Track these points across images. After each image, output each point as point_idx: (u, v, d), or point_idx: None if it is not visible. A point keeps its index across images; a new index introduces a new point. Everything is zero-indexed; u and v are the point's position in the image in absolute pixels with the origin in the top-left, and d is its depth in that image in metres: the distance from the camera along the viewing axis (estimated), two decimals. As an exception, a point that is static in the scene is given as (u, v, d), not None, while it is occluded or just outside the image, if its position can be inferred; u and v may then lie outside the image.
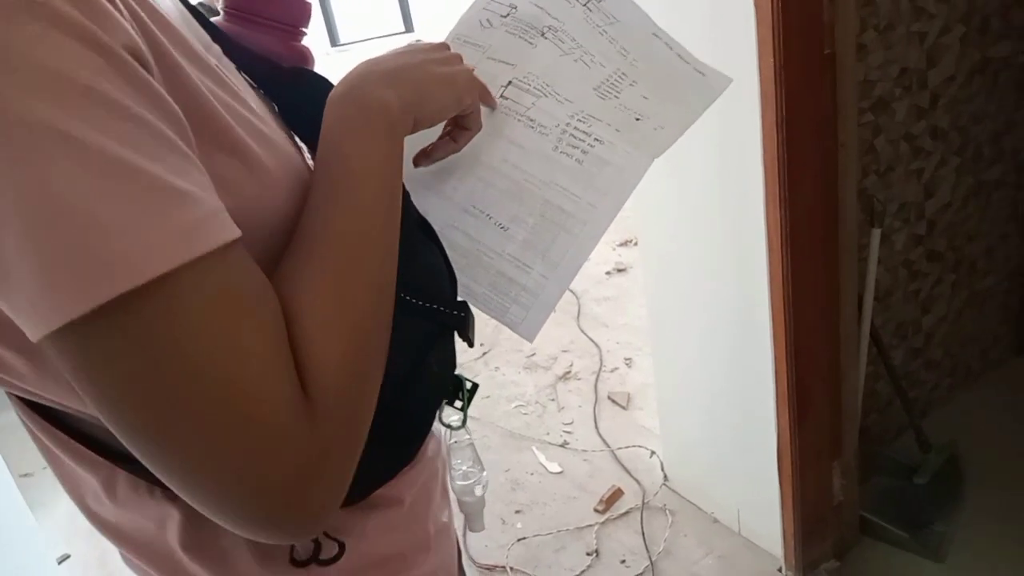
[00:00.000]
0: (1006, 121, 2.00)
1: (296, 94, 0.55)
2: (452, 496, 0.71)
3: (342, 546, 0.53)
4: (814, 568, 1.64)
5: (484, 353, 2.82)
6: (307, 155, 0.54)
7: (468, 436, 0.74)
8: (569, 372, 2.61)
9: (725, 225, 1.54)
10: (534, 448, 2.25)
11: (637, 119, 0.68)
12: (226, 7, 0.61)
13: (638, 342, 2.66)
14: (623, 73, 0.69)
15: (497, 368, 2.72)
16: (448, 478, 0.71)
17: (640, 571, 1.75)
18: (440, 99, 0.55)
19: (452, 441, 0.73)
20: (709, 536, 1.81)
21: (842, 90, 1.39)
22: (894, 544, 1.68)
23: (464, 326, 0.61)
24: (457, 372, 0.64)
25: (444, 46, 0.61)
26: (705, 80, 0.71)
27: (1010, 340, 2.25)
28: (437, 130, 0.64)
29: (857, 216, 1.54)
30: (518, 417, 2.42)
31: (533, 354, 2.76)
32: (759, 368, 1.53)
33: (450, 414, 0.65)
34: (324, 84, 0.57)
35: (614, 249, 3.48)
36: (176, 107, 0.35)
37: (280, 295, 0.41)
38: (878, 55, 1.69)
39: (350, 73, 0.52)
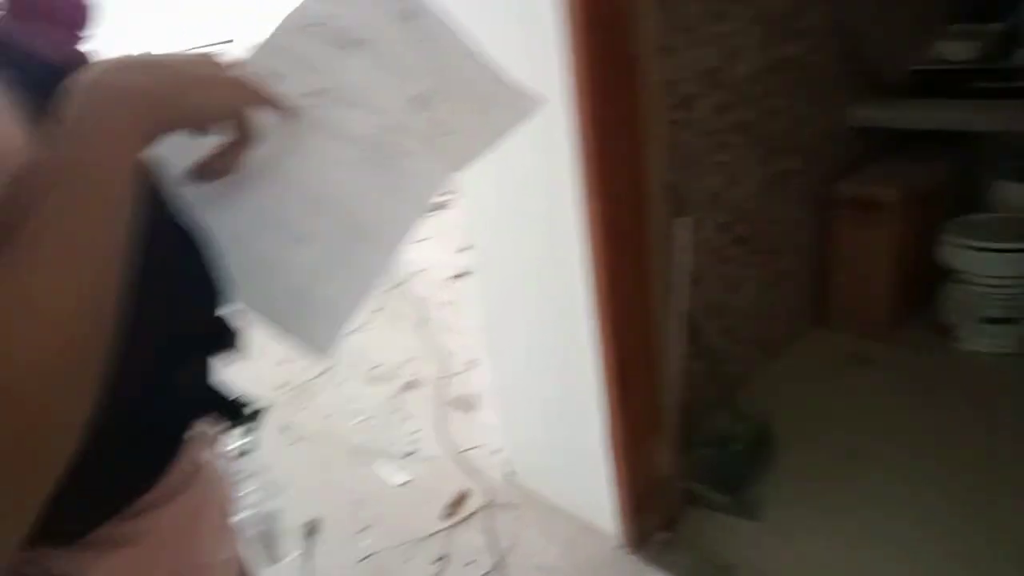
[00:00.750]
0: (798, 115, 2.21)
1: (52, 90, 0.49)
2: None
3: None
4: (647, 541, 1.72)
5: (327, 370, 2.73)
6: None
7: (256, 465, 0.70)
8: (414, 380, 2.58)
9: (545, 223, 1.58)
10: (379, 461, 2.20)
11: (446, 134, 0.68)
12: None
13: (480, 345, 2.68)
14: (436, 89, 0.69)
15: (339, 384, 2.64)
16: (229, 512, 0.66)
17: (487, 569, 1.75)
18: (202, 98, 0.52)
19: (236, 471, 0.68)
20: (552, 524, 1.84)
21: (647, 88, 1.46)
22: (717, 509, 1.80)
23: (221, 343, 0.57)
24: (237, 397, 0.59)
25: (211, 54, 0.57)
26: (517, 100, 0.72)
27: (809, 313, 2.48)
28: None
29: (666, 207, 1.64)
30: (362, 432, 2.36)
31: (378, 366, 2.70)
32: (583, 357, 1.58)
33: (234, 439, 0.60)
34: None
35: (456, 254, 3.49)
36: None
37: None
38: (683, 55, 1.81)
39: (101, 61, 0.48)
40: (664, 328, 1.67)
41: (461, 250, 3.50)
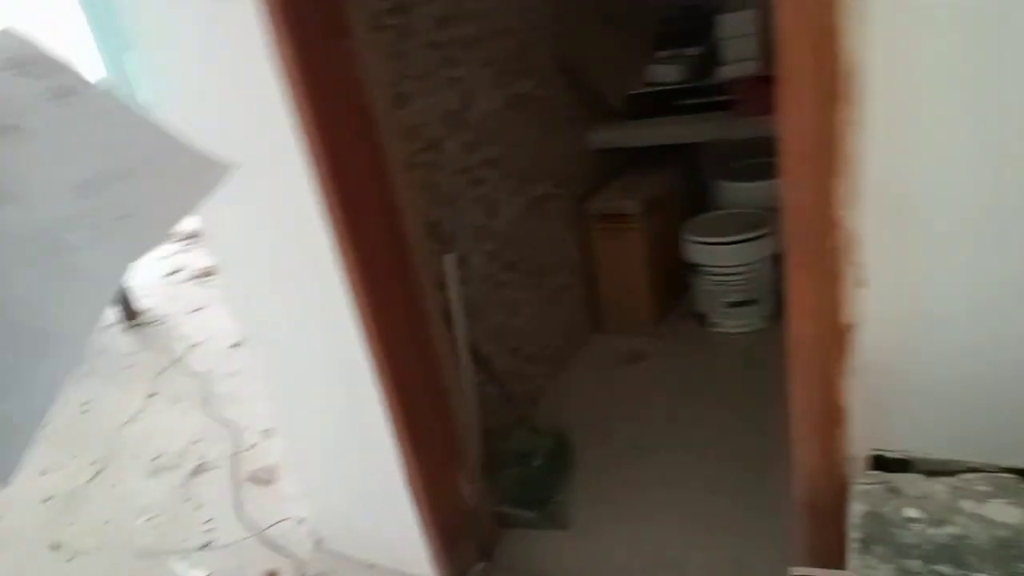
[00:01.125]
0: (541, 144, 2.38)
1: None
2: None
3: None
4: (465, 575, 1.74)
5: (98, 472, 2.43)
6: None
7: None
8: (202, 464, 2.38)
9: (308, 279, 1.54)
10: (173, 560, 2.00)
11: (122, 217, 0.63)
12: None
13: (274, 412, 2.55)
14: (107, 169, 0.64)
15: (115, 485, 2.37)
16: None
17: (309, 648, 1.66)
18: None
19: None
20: (370, 583, 1.80)
21: (385, 136, 1.49)
22: (528, 527, 1.86)
23: None
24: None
25: None
26: (206, 166, 0.69)
27: (586, 322, 2.68)
28: None
29: (430, 246, 1.68)
30: (149, 531, 2.13)
31: (158, 456, 2.46)
32: (371, 408, 1.56)
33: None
34: None
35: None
36: None
37: None
38: (420, 101, 1.87)
39: None
40: (449, 361, 1.70)
41: (240, 315, 3.31)
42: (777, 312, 2.54)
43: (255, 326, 1.75)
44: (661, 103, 2.63)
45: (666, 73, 2.66)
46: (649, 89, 2.66)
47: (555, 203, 2.48)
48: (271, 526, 2.03)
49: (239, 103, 1.38)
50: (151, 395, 2.83)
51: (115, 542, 2.11)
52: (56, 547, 2.12)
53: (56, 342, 0.59)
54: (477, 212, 2.11)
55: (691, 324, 2.64)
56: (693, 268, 2.57)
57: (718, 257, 2.48)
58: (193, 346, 3.16)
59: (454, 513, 1.69)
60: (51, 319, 0.59)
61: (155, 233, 0.65)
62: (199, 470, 2.36)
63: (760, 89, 2.30)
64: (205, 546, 2.03)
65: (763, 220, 2.47)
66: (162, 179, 0.67)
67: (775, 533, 1.67)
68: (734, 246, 2.45)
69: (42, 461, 2.49)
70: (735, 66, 2.48)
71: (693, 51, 2.69)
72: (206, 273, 3.87)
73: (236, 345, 3.10)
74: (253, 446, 2.41)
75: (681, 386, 2.32)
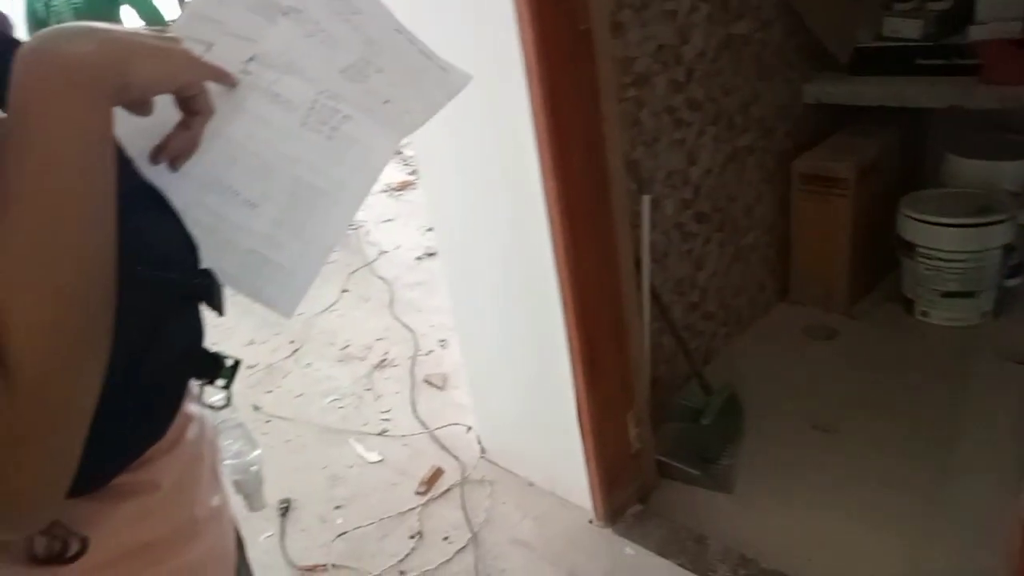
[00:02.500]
0: (751, 92, 2.24)
1: None
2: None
3: (85, 541, 0.49)
4: (620, 514, 1.77)
5: (295, 351, 2.72)
6: None
7: (236, 415, 0.72)
8: (385, 360, 2.58)
9: (508, 203, 1.59)
10: (352, 440, 2.21)
11: (385, 102, 0.69)
12: None
13: (451, 323, 2.69)
14: (368, 61, 0.70)
15: (309, 364, 2.63)
16: (218, 461, 0.68)
17: (463, 545, 1.78)
18: (152, 68, 0.52)
19: (220, 421, 0.70)
20: (526, 500, 1.88)
21: (601, 65, 1.47)
22: (689, 482, 1.85)
23: (207, 294, 0.59)
24: (217, 352, 0.61)
25: (159, 29, 0.57)
26: (447, 76, 0.73)
27: (773, 287, 2.55)
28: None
29: (628, 184, 1.66)
30: (334, 411, 2.36)
31: (347, 346, 2.70)
32: (552, 334, 1.61)
33: (213, 394, 0.62)
34: (12, 45, 0.52)
35: (423, 234, 3.48)
36: None
37: None
38: (635, 32, 1.82)
39: (45, 30, 0.48)
40: (632, 304, 1.70)
41: (427, 230, 3.50)
42: (998, 309, 2.27)
43: (450, 237, 1.83)
44: (893, 60, 2.36)
45: (904, 27, 2.37)
46: (881, 43, 2.40)
47: (757, 156, 2.35)
48: (441, 428, 2.18)
49: (465, 10, 1.41)
50: (344, 291, 3.09)
51: (304, 415, 2.36)
52: (256, 409, 2.41)
53: (332, 202, 0.65)
54: (676, 156, 2.04)
55: (893, 308, 2.43)
56: (905, 247, 2.34)
57: (940, 240, 2.23)
58: (383, 253, 3.39)
59: (618, 452, 1.72)
60: (329, 180, 0.65)
61: (412, 123, 0.70)
62: (381, 365, 2.56)
63: (1017, 55, 2.00)
64: (381, 433, 2.22)
65: (997, 204, 2.18)
66: (411, 79, 0.71)
67: (959, 542, 1.55)
68: (961, 230, 2.19)
69: (250, 333, 2.82)
70: (990, 26, 2.16)
71: (939, 5, 2.38)
72: (401, 187, 4.10)
73: (421, 258, 3.28)
74: (430, 352, 2.57)
75: (873, 372, 2.15)
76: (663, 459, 1.87)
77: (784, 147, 2.42)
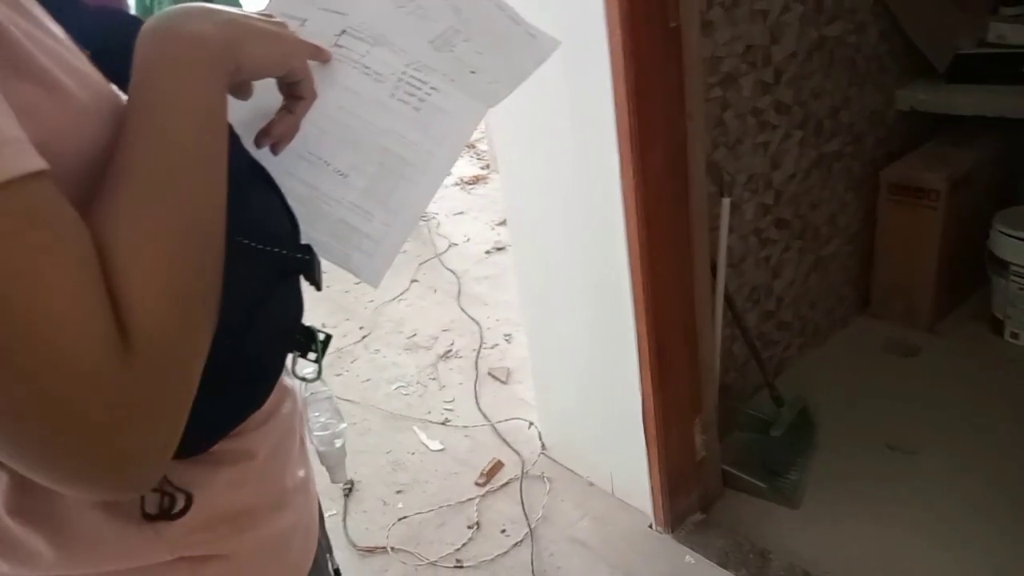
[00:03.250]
0: (842, 97, 2.16)
1: (104, 34, 0.53)
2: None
3: (190, 497, 0.51)
4: (681, 522, 1.74)
5: (364, 336, 2.77)
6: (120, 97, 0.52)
7: (325, 388, 0.73)
8: (450, 351, 2.61)
9: (585, 199, 1.58)
10: (415, 428, 2.24)
11: (472, 72, 0.69)
12: None
13: (517, 318, 2.69)
14: (456, 29, 0.70)
15: (377, 351, 2.68)
16: (306, 433, 0.70)
17: (520, 539, 1.78)
18: (265, 49, 0.54)
19: (309, 394, 0.72)
20: (585, 499, 1.87)
21: (688, 64, 1.45)
22: (754, 494, 1.80)
23: (308, 269, 0.60)
24: (310, 325, 0.63)
25: (265, 13, 0.60)
26: (536, 42, 0.73)
27: (852, 300, 2.45)
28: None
29: (708, 186, 1.62)
30: (399, 398, 2.40)
31: (414, 335, 2.74)
32: (623, 335, 1.59)
33: (304, 367, 0.64)
34: (132, 22, 0.55)
35: (493, 228, 3.50)
36: None
37: (93, 231, 0.39)
38: (724, 31, 1.78)
39: (166, 10, 0.50)
40: (705, 309, 1.66)
41: (497, 225, 3.51)
42: (1099, 336, 2.13)
43: (523, 231, 1.83)
44: (997, 68, 2.23)
45: (1011, 33, 2.24)
46: (985, 50, 2.28)
47: (844, 163, 2.26)
48: (503, 421, 2.19)
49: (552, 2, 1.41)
50: (413, 280, 3.14)
51: (370, 399, 2.41)
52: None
53: (418, 173, 0.65)
54: (759, 160, 1.99)
55: (980, 328, 2.30)
56: (997, 264, 2.21)
57: (1036, 259, 2.11)
58: (452, 245, 3.42)
59: (683, 458, 1.69)
60: (416, 151, 0.66)
61: (498, 92, 0.70)
62: (446, 355, 2.59)
63: None
64: (444, 423, 2.24)
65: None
66: (498, 46, 0.71)
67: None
68: (1062, 249, 2.07)
69: (323, 318, 2.89)
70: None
71: (1045, 12, 2.24)
72: (473, 181, 4.13)
73: (489, 252, 3.30)
74: (494, 346, 2.59)
75: (956, 393, 2.05)
76: (728, 469, 1.83)
77: (873, 155, 2.32)
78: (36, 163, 0.35)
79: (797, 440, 1.91)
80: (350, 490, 2.00)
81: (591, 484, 1.90)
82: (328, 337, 0.64)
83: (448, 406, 2.32)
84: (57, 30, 0.46)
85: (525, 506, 1.87)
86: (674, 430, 1.65)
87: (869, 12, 2.14)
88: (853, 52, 2.14)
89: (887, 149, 2.35)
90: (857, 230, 2.38)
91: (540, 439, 2.07)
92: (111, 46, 0.52)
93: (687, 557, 1.66)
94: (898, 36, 2.26)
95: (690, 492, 1.74)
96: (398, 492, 2.00)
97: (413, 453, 2.14)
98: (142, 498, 0.50)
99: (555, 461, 2.00)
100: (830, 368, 2.25)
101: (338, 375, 2.55)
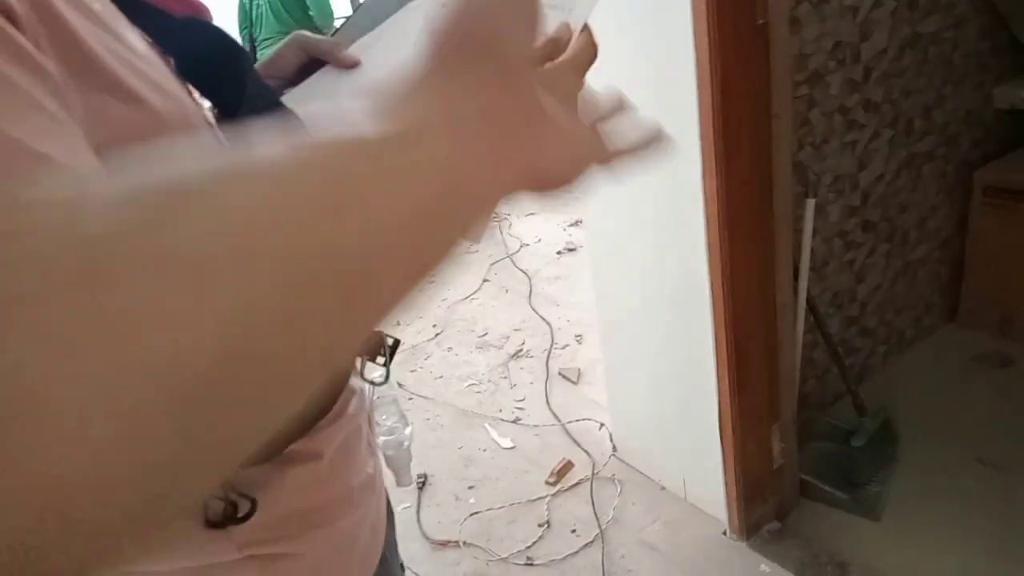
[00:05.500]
0: (935, 95, 2.07)
1: (187, 44, 0.51)
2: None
3: (254, 503, 0.52)
4: (756, 530, 1.70)
5: (437, 334, 2.82)
6: (206, 110, 0.52)
7: (392, 392, 0.75)
8: (521, 350, 2.62)
9: (664, 199, 1.56)
10: (486, 425, 2.26)
11: None
12: None
13: (588, 319, 2.68)
14: None
15: (450, 348, 2.72)
16: (373, 434, 0.71)
17: (590, 540, 1.78)
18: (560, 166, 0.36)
19: (376, 397, 0.73)
20: (656, 503, 1.85)
21: (776, 61, 1.41)
22: (832, 505, 1.74)
23: None
24: (379, 329, 0.64)
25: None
26: None
27: (941, 307, 2.34)
28: None
29: (792, 187, 1.58)
30: (471, 395, 2.43)
31: (485, 334, 2.77)
32: (700, 338, 1.56)
33: (372, 370, 0.65)
34: (215, 33, 0.54)
35: (565, 229, 3.50)
36: (45, 62, 0.33)
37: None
38: (812, 28, 1.73)
39: (455, 4, 0.33)
40: (786, 313, 1.62)
41: (569, 226, 3.51)
42: None
43: (599, 230, 1.82)
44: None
45: None
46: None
47: (937, 164, 2.16)
48: (573, 422, 2.19)
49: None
50: (484, 280, 3.17)
51: (443, 396, 2.45)
52: (400, 386, 2.53)
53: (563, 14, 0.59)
54: (846, 160, 1.92)
55: (1083, 339, 2.17)
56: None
57: None
58: (524, 245, 3.43)
59: (760, 465, 1.65)
60: None
61: None
62: (517, 355, 2.60)
63: None
64: (515, 421, 2.26)
65: None
66: None
67: None
68: None
69: (396, 315, 2.95)
70: None
71: None
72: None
73: (561, 252, 3.30)
74: (565, 346, 2.59)
75: (1055, 408, 1.94)
76: (807, 478, 1.78)
77: (968, 156, 2.21)
78: None
79: (879, 451, 1.84)
80: (423, 483, 2.04)
81: (663, 488, 1.88)
82: (396, 342, 0.64)
83: (519, 405, 2.33)
84: (137, 42, 0.44)
85: (596, 507, 1.87)
86: (751, 437, 1.62)
87: (968, 6, 2.04)
88: (949, 49, 2.05)
89: (983, 151, 2.24)
90: (948, 235, 2.27)
91: (611, 440, 2.05)
92: (195, 56, 0.50)
93: (762, 566, 1.63)
94: (1001, 32, 2.15)
95: (766, 500, 1.70)
96: (470, 488, 2.02)
97: (484, 450, 2.16)
98: (204, 504, 0.50)
99: (626, 463, 1.99)
100: (916, 378, 2.15)
101: (412, 371, 2.60)
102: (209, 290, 0.22)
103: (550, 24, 0.49)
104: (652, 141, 0.43)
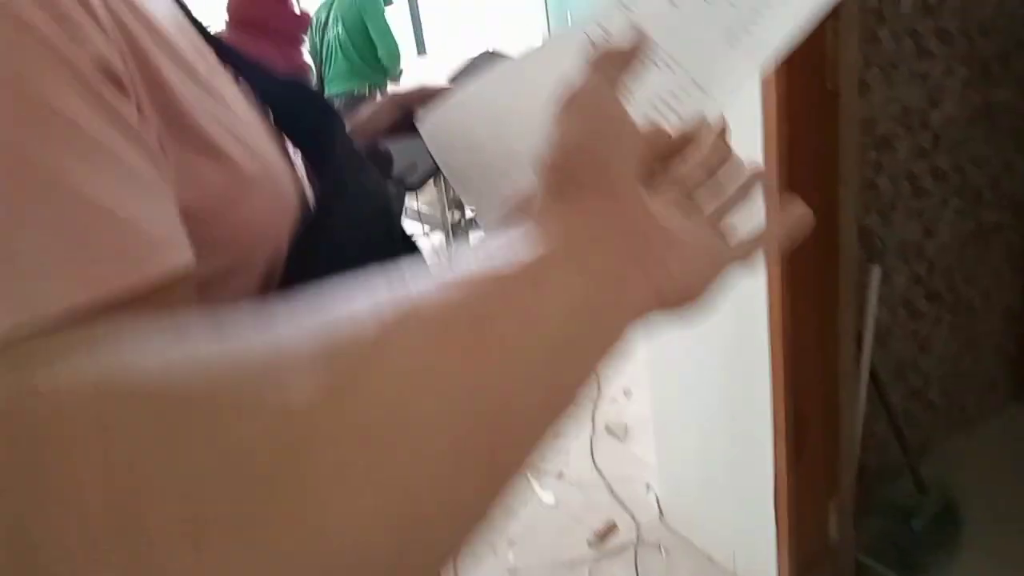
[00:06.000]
0: (1005, 165, 2.02)
1: (289, 101, 0.52)
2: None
3: None
4: (809, 609, 1.61)
5: (480, 380, 2.80)
6: (299, 167, 0.52)
7: None
8: (565, 402, 2.59)
9: (726, 258, 1.53)
10: (529, 477, 2.22)
11: None
12: (229, 20, 0.62)
13: (637, 373, 2.63)
14: None
15: (493, 396, 2.70)
16: None
17: (632, 608, 1.71)
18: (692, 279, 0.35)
19: None
20: (705, 574, 1.77)
21: (844, 126, 1.40)
22: (892, 588, 1.65)
23: None
24: None
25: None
26: None
27: (1008, 385, 2.24)
28: None
29: (857, 253, 1.54)
30: (512, 446, 2.39)
31: (529, 383, 2.74)
32: (757, 403, 1.52)
33: None
34: (315, 96, 0.56)
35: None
36: (144, 124, 0.33)
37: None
38: (881, 93, 1.71)
39: (576, 83, 0.34)
40: (848, 382, 1.56)
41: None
42: None
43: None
44: None
45: None
46: None
47: (1005, 236, 2.09)
48: (619, 481, 2.13)
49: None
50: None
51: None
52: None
53: (747, 42, 0.58)
54: (912, 227, 1.87)
55: None
56: None
57: None
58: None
59: (815, 542, 1.58)
60: (750, 21, 0.58)
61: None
62: (562, 407, 2.56)
63: None
64: (558, 475, 2.21)
65: None
66: None
67: None
68: None
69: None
70: None
71: None
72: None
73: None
74: (613, 400, 2.54)
75: None
76: (864, 559, 1.69)
77: (1039, 228, 2.14)
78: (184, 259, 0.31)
79: (941, 534, 1.74)
80: (461, 535, 2.00)
81: (711, 560, 1.81)
82: None
83: (562, 457, 2.29)
84: (233, 96, 0.45)
85: (640, 574, 1.80)
86: (807, 511, 1.55)
87: (1042, 76, 2.00)
88: (1020, 119, 2.00)
89: (1056, 222, 2.17)
90: (1018, 310, 2.18)
91: (658, 504, 1.99)
92: (289, 109, 0.51)
93: (815, 651, 1.54)
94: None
95: (821, 579, 1.62)
96: (510, 544, 1.97)
97: (526, 504, 2.12)
98: None
99: (673, 530, 1.92)
100: (981, 457, 2.05)
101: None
102: (389, 466, 0.22)
103: (693, 107, 0.49)
104: (795, 229, 0.41)
